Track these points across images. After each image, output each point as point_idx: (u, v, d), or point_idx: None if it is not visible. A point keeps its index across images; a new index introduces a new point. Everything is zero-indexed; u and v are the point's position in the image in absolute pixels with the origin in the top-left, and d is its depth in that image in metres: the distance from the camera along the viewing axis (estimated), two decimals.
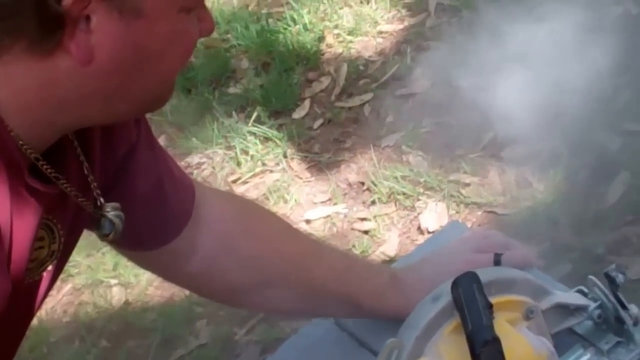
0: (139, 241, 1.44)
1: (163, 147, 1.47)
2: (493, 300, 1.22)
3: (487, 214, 2.81)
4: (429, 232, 2.80)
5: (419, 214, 2.88)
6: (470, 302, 1.20)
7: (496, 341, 1.16)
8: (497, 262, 1.40)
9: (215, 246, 1.50)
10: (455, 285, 1.23)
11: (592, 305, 1.39)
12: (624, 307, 1.35)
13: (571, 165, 2.84)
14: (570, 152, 2.86)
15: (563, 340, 1.38)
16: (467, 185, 2.90)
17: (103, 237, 1.27)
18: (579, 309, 1.39)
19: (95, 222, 1.26)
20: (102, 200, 1.25)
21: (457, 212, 2.83)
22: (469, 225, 2.76)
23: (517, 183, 2.85)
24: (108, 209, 1.25)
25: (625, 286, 1.37)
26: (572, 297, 1.40)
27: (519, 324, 1.29)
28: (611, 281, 1.35)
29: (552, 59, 3.19)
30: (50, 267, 1.23)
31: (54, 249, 1.22)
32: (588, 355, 1.39)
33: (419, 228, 2.84)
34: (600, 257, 2.54)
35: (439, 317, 1.27)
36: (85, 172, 1.22)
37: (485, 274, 1.26)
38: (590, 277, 1.38)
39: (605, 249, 2.57)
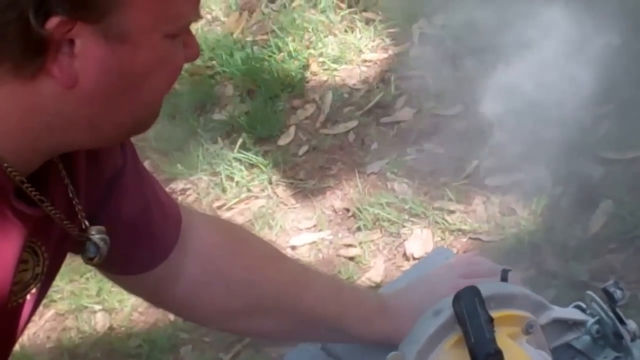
0: (125, 265, 1.44)
1: (149, 172, 1.47)
2: (494, 314, 1.23)
3: (472, 240, 2.83)
4: (414, 259, 2.82)
5: (404, 240, 2.90)
6: (472, 316, 1.22)
7: (498, 354, 1.17)
8: (504, 278, 1.41)
9: (201, 271, 1.49)
10: (457, 299, 1.24)
11: (591, 320, 1.40)
12: (622, 322, 1.37)
13: (554, 193, 2.87)
14: (553, 181, 2.90)
15: (561, 356, 1.40)
16: (452, 212, 2.92)
17: (88, 260, 1.27)
18: (577, 324, 1.41)
19: (80, 246, 1.26)
20: (86, 223, 1.24)
21: (442, 239, 2.86)
22: (454, 251, 2.78)
23: (501, 211, 2.88)
24: (93, 232, 1.25)
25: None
26: (570, 312, 1.41)
27: (519, 339, 1.30)
28: (609, 297, 1.36)
29: (535, 88, 3.22)
30: (34, 291, 1.23)
31: (38, 272, 1.22)
32: None
33: (404, 254, 2.86)
34: (584, 284, 2.56)
35: (440, 331, 1.28)
36: (70, 195, 1.22)
37: (486, 289, 1.27)
38: (589, 292, 1.40)
39: (589, 276, 2.60)
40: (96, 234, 1.25)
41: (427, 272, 1.73)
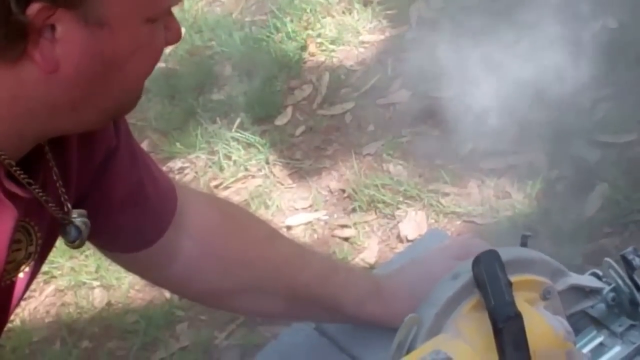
0: (121, 243, 1.46)
1: (144, 150, 1.49)
2: (512, 279, 1.22)
3: (466, 223, 2.85)
4: (408, 241, 2.84)
5: (398, 222, 2.92)
6: (492, 279, 1.20)
7: (518, 317, 1.17)
8: (523, 243, 1.41)
9: (198, 251, 1.51)
10: (476, 262, 1.23)
11: (607, 288, 1.39)
12: (639, 290, 1.36)
13: (549, 177, 2.89)
14: (549, 164, 2.91)
15: (577, 323, 1.39)
16: (447, 194, 2.94)
17: (69, 243, 1.28)
18: (593, 292, 1.40)
19: (62, 228, 1.28)
20: (69, 206, 1.26)
21: (436, 222, 2.88)
22: (448, 234, 2.80)
23: (495, 194, 2.90)
24: (75, 215, 1.27)
25: None
26: (587, 280, 1.40)
27: (537, 304, 1.29)
28: (628, 264, 1.35)
29: (532, 71, 3.24)
30: (27, 269, 1.25)
31: (31, 250, 1.24)
32: (601, 338, 1.40)
33: (398, 236, 2.88)
34: (579, 268, 2.56)
35: (459, 294, 1.27)
36: (55, 177, 1.23)
37: (505, 253, 1.26)
38: (607, 259, 1.39)
39: (583, 260, 2.61)
40: (78, 217, 1.27)
41: (422, 255, 1.75)
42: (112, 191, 1.37)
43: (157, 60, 1.16)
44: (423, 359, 1.21)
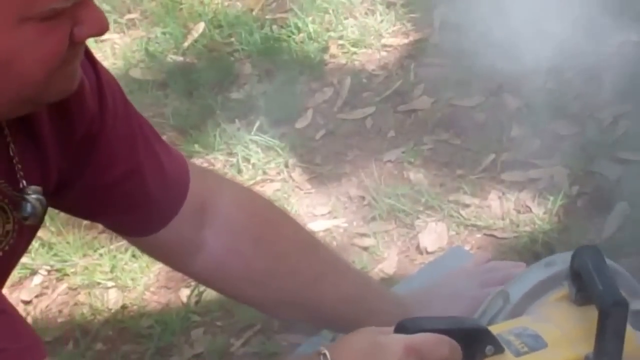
0: (124, 226, 1.46)
1: (155, 136, 1.47)
2: None
3: (487, 237, 2.84)
4: (427, 252, 2.83)
5: (418, 232, 2.90)
6: (598, 267, 1.22)
7: (625, 303, 1.18)
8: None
9: (223, 250, 1.50)
10: (578, 254, 1.26)
11: None
12: None
13: (570, 193, 2.87)
14: (570, 180, 2.90)
15: None
16: (467, 206, 2.92)
17: (22, 219, 1.26)
18: None
19: (17, 205, 1.26)
20: (24, 182, 1.25)
21: (457, 233, 2.86)
22: (467, 247, 2.79)
23: (516, 207, 2.89)
24: (29, 192, 1.25)
25: None
26: None
27: None
28: None
29: (554, 85, 3.23)
30: (6, 248, 1.25)
31: (9, 229, 1.24)
32: None
33: (417, 247, 2.87)
34: None
35: (549, 281, 1.30)
36: (11, 154, 1.23)
37: None
38: None
39: None
40: (32, 194, 1.25)
41: (446, 277, 1.74)
42: (104, 171, 1.36)
43: (55, 56, 1.12)
44: (510, 332, 1.23)
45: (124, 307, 3.01)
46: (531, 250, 2.75)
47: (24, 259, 3.28)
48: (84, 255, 3.19)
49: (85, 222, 3.32)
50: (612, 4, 3.08)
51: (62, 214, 3.34)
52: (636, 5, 3.31)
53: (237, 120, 3.41)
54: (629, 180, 2.88)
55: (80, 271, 3.15)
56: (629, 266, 2.63)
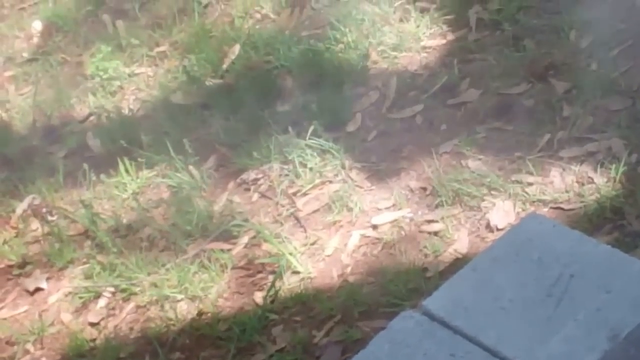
0: None
1: None
2: None
3: (554, 210, 2.86)
4: (498, 229, 2.85)
5: (485, 213, 2.92)
6: None
7: None
8: None
9: None
10: None
11: None
12: None
13: (630, 161, 2.90)
14: (628, 150, 2.92)
15: None
16: (530, 184, 2.95)
17: None
18: None
19: None
20: None
21: (524, 210, 2.88)
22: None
23: (579, 180, 2.91)
24: None
25: None
26: None
27: None
28: None
29: (599, 62, 3.28)
30: None
31: None
32: None
33: (487, 226, 2.88)
34: None
35: None
36: None
37: None
38: None
39: None
40: None
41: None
42: None
43: None
44: None
45: (197, 315, 3.01)
46: (601, 216, 2.77)
47: (85, 282, 3.30)
48: (149, 273, 3.20)
49: (145, 242, 3.34)
50: None
51: (122, 236, 3.38)
52: None
53: (290, 129, 3.44)
54: None
55: (147, 288, 3.16)
56: None
